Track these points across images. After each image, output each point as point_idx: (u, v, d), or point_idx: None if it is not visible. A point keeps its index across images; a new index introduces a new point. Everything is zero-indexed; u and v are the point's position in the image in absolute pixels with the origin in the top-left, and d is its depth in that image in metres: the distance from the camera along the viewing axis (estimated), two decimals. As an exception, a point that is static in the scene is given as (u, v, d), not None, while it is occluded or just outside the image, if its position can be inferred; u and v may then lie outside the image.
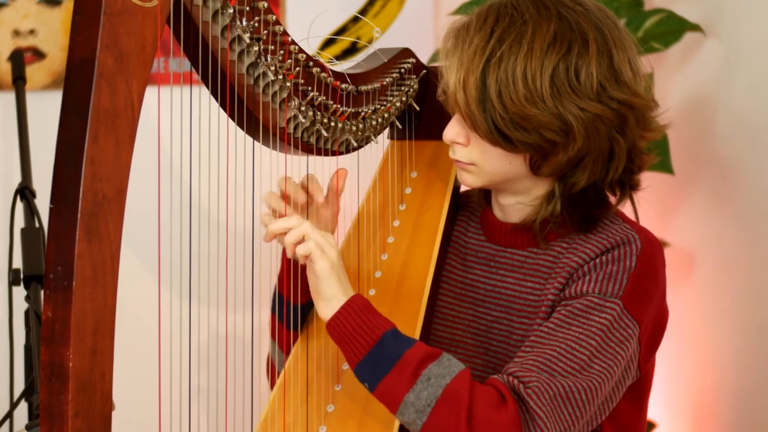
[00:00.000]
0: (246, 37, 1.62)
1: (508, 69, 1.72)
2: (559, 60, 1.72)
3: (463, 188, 2.00)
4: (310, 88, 1.75)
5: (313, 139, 1.80)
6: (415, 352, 1.68)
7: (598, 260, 1.77)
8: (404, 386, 1.66)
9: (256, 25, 1.63)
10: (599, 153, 1.76)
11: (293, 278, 1.86)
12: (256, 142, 1.73)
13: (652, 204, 1.89)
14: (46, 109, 2.11)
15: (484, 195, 1.92)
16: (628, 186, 1.83)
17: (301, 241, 1.70)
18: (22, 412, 1.91)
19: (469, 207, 1.99)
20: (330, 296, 1.70)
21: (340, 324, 1.70)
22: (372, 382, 1.68)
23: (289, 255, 1.72)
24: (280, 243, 1.76)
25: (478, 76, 1.73)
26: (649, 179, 1.87)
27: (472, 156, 1.81)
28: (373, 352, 1.68)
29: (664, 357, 1.88)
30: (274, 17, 1.65)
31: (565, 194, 1.80)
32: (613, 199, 1.84)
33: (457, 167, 1.85)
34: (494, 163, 1.79)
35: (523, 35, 1.73)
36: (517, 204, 1.86)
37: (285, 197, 1.85)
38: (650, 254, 1.79)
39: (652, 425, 2.88)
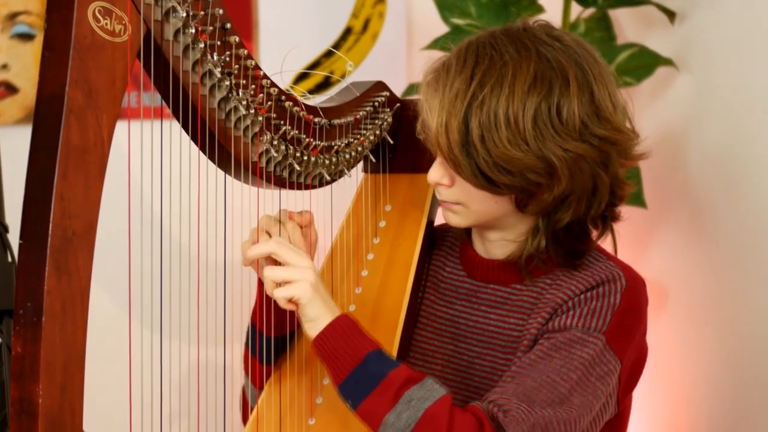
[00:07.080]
0: (217, 71, 1.62)
1: (491, 112, 1.70)
2: (540, 100, 1.71)
3: (438, 222, 2.00)
4: (282, 122, 1.75)
5: (285, 173, 1.79)
6: (399, 373, 1.68)
7: (582, 296, 1.78)
8: (385, 406, 1.66)
9: (228, 59, 1.63)
10: (583, 191, 1.76)
11: (267, 310, 1.85)
12: (228, 176, 1.72)
13: (625, 237, 1.89)
14: (18, 144, 2.09)
15: (464, 230, 1.92)
16: (609, 219, 1.83)
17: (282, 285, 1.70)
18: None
19: (447, 241, 1.98)
20: (315, 317, 1.71)
21: (326, 343, 1.70)
22: (355, 400, 1.69)
23: (268, 292, 1.72)
24: (256, 271, 1.76)
25: (460, 120, 1.71)
26: (622, 212, 1.87)
27: (457, 196, 1.80)
28: (357, 371, 1.68)
29: (638, 391, 1.88)
30: (245, 51, 1.65)
31: (550, 230, 1.80)
32: (594, 233, 1.84)
33: (443, 208, 1.85)
34: (480, 203, 1.79)
35: (504, 77, 1.71)
36: (502, 240, 1.85)
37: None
38: (635, 292, 1.79)
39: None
